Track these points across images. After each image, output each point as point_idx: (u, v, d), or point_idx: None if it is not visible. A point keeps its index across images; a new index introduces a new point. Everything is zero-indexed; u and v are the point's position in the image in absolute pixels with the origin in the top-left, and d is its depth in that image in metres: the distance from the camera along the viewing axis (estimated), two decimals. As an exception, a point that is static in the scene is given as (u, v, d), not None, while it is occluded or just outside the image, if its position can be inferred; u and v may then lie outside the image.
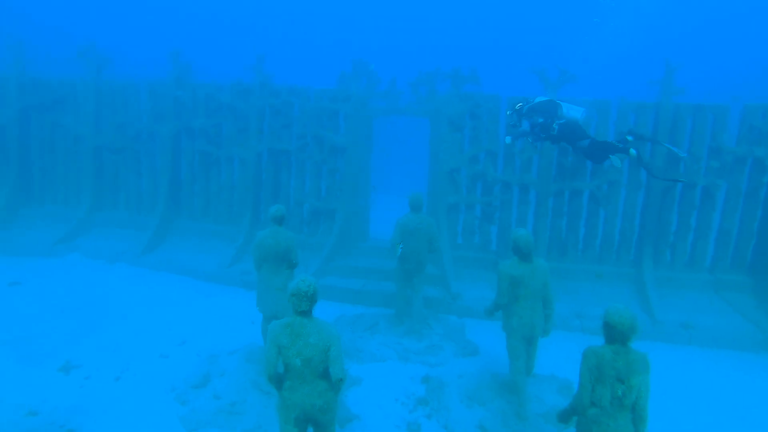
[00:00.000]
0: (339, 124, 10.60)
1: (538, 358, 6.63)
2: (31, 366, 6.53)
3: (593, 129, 9.41)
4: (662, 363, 7.43)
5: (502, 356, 7.43)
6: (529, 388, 6.13)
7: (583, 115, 7.51)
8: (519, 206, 10.00)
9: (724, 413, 6.34)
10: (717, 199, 9.13)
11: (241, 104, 10.82)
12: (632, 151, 7.32)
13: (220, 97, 10.95)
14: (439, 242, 7.85)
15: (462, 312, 9.08)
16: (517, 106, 7.86)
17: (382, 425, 5.80)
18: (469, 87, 10.06)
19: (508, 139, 8.40)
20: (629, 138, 7.41)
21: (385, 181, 18.67)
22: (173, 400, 5.95)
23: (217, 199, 11.40)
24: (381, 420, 5.90)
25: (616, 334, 3.68)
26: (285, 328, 3.85)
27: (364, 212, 10.98)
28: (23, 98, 11.89)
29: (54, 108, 12.00)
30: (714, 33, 30.90)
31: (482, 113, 9.78)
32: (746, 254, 9.24)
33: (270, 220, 6.42)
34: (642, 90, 9.51)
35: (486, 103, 9.80)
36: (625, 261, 9.69)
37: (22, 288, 9.16)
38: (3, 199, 11.92)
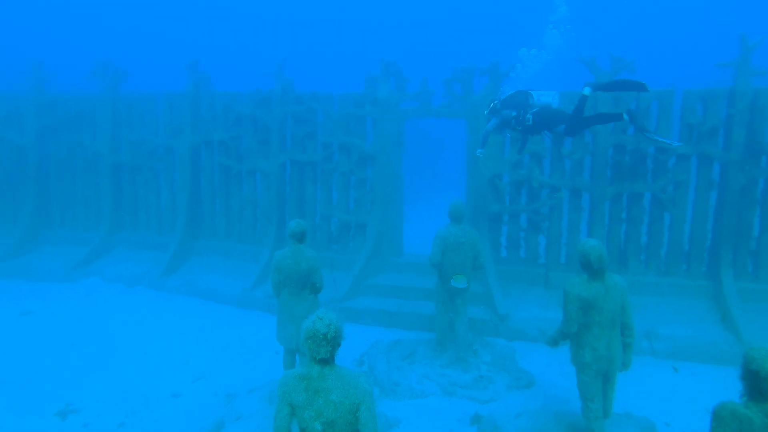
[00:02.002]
0: (367, 130, 9.77)
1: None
2: (27, 410, 5.80)
3: (654, 122, 8.33)
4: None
5: (564, 388, 6.37)
6: (605, 433, 5.03)
7: (557, 99, 6.57)
8: (570, 213, 8.92)
9: None
10: (810, 197, 7.85)
11: (262, 113, 10.09)
12: (625, 116, 6.11)
13: (239, 107, 10.25)
14: (484, 257, 6.84)
15: (511, 335, 8.02)
16: (491, 105, 6.92)
17: (428, 482, 4.81)
18: (509, 83, 9.08)
19: (479, 152, 7.13)
20: (586, 92, 6.10)
21: (419, 191, 17.76)
22: (181, 452, 5.10)
23: (240, 215, 10.67)
24: (426, 474, 4.91)
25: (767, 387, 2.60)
26: (300, 382, 2.92)
27: (397, 225, 10.03)
28: (41, 118, 11.51)
29: (72, 126, 11.58)
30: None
31: (525, 111, 8.75)
32: None
33: (289, 237, 5.56)
34: (708, 76, 8.35)
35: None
36: (697, 272, 8.45)
37: (34, 317, 8.55)
38: (23, 224, 11.53)
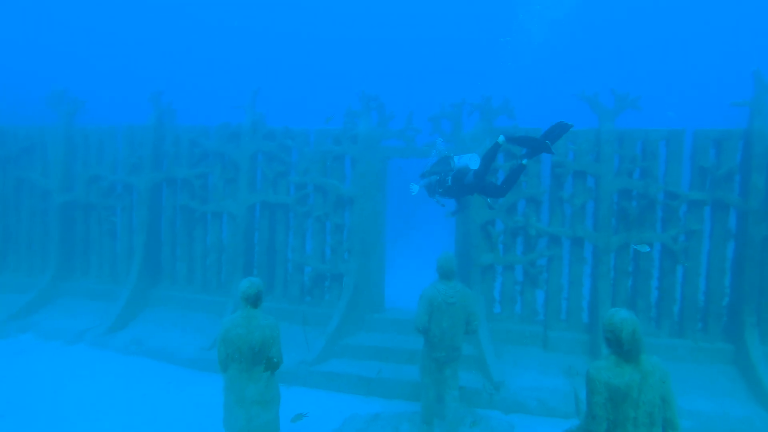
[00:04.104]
0: (345, 170, 8.86)
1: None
2: None
3: (663, 163, 7.57)
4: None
5: (577, 484, 5.22)
6: None
7: (477, 160, 6.66)
8: (572, 265, 8.02)
9: None
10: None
11: (230, 150, 9.14)
12: (524, 161, 6.21)
13: (205, 143, 9.30)
14: (479, 321, 5.82)
15: (507, 407, 6.92)
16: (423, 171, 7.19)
17: None
18: (502, 120, 8.33)
19: (414, 189, 7.10)
20: (500, 140, 6.24)
21: (405, 233, 16.80)
22: None
23: (203, 262, 9.56)
24: None
25: None
26: None
27: (378, 276, 8.96)
28: (-14, 152, 10.43)
29: (19, 161, 10.49)
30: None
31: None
32: None
33: (241, 300, 4.50)
34: (722, 116, 7.64)
35: (524, 138, 7.99)
36: (715, 332, 7.52)
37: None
38: (-43, 269, 10.25)
